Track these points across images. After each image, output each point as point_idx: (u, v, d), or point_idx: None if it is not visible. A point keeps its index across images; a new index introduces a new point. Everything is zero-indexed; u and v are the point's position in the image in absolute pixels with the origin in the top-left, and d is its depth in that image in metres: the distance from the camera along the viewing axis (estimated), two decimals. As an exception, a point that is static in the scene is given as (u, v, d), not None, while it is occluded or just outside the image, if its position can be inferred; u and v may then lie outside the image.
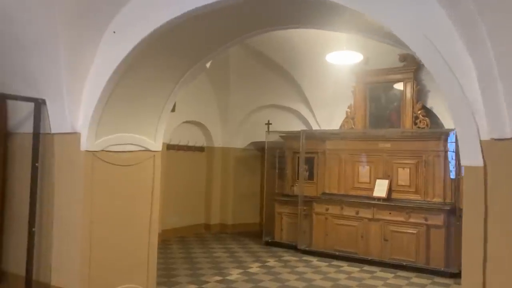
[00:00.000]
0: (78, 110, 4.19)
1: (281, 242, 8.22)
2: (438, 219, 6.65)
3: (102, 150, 4.32)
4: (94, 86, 4.10)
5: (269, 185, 8.86)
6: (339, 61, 6.44)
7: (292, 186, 8.63)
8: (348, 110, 7.96)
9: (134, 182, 4.71)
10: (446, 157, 7.01)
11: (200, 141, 9.62)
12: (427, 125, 7.20)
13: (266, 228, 8.55)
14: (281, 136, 8.75)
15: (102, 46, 4.08)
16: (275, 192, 8.76)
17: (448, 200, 6.91)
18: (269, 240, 8.36)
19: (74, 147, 4.20)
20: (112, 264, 4.42)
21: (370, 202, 7.26)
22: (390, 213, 7.05)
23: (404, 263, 6.72)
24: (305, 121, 8.80)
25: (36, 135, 4.29)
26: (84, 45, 4.03)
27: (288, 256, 7.36)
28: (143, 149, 4.79)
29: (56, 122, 4.31)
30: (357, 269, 6.67)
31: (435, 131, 7.10)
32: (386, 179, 7.46)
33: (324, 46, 7.31)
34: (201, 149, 9.65)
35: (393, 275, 6.39)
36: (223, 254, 7.35)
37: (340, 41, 7.02)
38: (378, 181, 7.53)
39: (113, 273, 4.41)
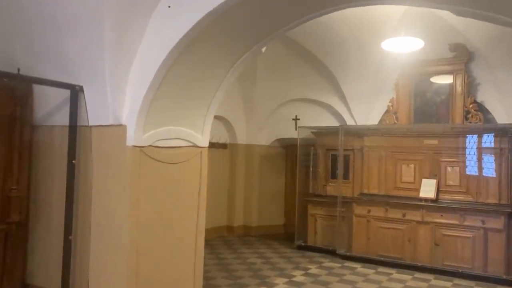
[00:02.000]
0: (123, 98, 3.57)
1: (315, 246, 7.63)
2: (497, 222, 6.09)
3: (150, 146, 3.71)
4: (144, 70, 3.49)
5: (300, 184, 8.27)
6: (397, 48, 5.84)
7: (325, 185, 8.04)
8: (390, 104, 7.38)
9: (181, 182, 4.11)
10: (502, 154, 6.46)
11: (223, 137, 9.01)
12: (480, 120, 6.63)
13: (298, 231, 7.95)
14: (312, 132, 8.16)
15: (153, 24, 3.47)
16: (307, 192, 8.15)
17: (503, 201, 6.37)
18: (302, 244, 7.77)
19: (118, 142, 3.58)
20: (159, 277, 3.83)
21: (419, 203, 6.69)
22: (441, 215, 6.49)
23: (460, 270, 6.16)
24: (338, 116, 8.22)
25: (73, 127, 3.68)
26: (131, 22, 3.41)
27: (328, 262, 6.78)
28: (191, 144, 4.18)
29: (95, 113, 3.69)
30: (409, 276, 6.10)
31: (491, 127, 6.54)
32: (433, 178, 6.90)
33: (368, 33, 6.75)
34: (224, 146, 9.03)
35: (451, 283, 5.84)
36: (257, 260, 6.75)
37: (385, 28, 6.49)
38: (424, 180, 6.96)
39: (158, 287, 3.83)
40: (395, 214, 6.83)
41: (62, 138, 3.82)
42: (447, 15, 6.04)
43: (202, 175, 4.36)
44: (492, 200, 6.43)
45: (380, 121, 7.60)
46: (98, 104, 3.64)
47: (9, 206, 3.82)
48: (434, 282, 5.87)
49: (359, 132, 7.57)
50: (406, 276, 6.09)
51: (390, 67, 7.28)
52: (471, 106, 6.70)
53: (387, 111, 7.43)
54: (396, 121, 7.32)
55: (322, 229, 7.71)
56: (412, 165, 7.13)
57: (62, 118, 3.87)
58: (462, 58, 6.69)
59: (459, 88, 6.80)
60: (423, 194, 6.86)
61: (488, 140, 6.56)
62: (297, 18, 3.79)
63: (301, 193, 8.10)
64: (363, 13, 6.12)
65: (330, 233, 7.56)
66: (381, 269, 6.45)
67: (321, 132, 8.08)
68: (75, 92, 3.64)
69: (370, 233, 7.01)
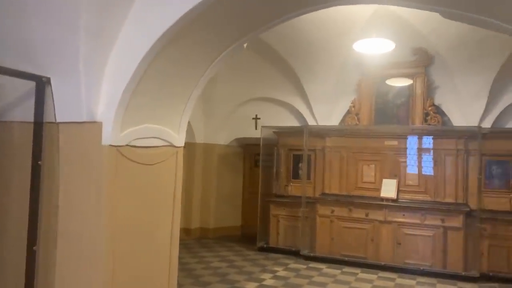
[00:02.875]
0: (98, 92, 3.21)
1: (278, 248, 7.54)
2: (456, 221, 6.34)
3: (127, 145, 3.38)
4: (124, 62, 3.15)
5: (262, 185, 8.13)
6: (368, 50, 5.86)
7: (287, 186, 7.98)
8: (352, 105, 7.45)
9: (156, 185, 3.80)
10: (458, 155, 6.74)
11: (180, 136, 8.64)
12: (438, 122, 6.87)
13: (260, 232, 7.81)
14: (274, 132, 8.06)
15: (135, 11, 3.15)
16: (269, 192, 8.03)
17: (460, 201, 6.65)
18: (264, 246, 7.64)
19: (91, 141, 3.21)
20: (134, 289, 3.51)
21: (382, 203, 6.81)
22: (403, 215, 6.65)
23: (422, 268, 6.34)
24: (299, 116, 8.19)
25: (38, 124, 3.24)
26: (111, 6, 3.08)
27: (293, 264, 6.71)
28: (168, 144, 3.88)
29: (64, 109, 3.27)
30: (374, 276, 6.18)
31: (449, 129, 6.80)
32: (393, 178, 7.06)
33: (335, 34, 6.75)
34: (181, 145, 8.67)
35: (414, 281, 5.97)
36: (221, 264, 6.53)
37: (354, 29, 6.53)
38: (385, 180, 7.11)
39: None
40: (359, 214, 6.91)
41: (23, 136, 3.38)
42: (414, 19, 6.18)
43: (177, 176, 4.08)
44: (449, 199, 6.70)
45: (342, 122, 7.67)
46: (69, 98, 3.24)
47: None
48: (399, 280, 5.98)
49: (321, 133, 7.58)
50: (371, 276, 6.16)
51: (352, 69, 7.36)
52: (430, 108, 6.93)
53: (349, 112, 7.51)
54: (357, 122, 7.41)
55: (284, 230, 7.63)
56: (373, 166, 7.26)
57: (23, 113, 3.42)
58: (423, 61, 6.90)
59: (419, 91, 7.01)
60: (384, 194, 6.99)
61: (446, 141, 6.82)
62: (281, 15, 3.65)
63: (263, 194, 7.97)
64: (332, 13, 6.10)
65: (292, 234, 7.51)
66: (346, 269, 6.49)
67: (283, 132, 8.01)
68: (41, 85, 3.21)
69: (334, 233, 7.04)
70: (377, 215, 6.79)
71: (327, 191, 7.46)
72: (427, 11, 5.98)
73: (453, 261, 6.28)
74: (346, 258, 6.79)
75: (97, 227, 3.19)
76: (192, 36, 3.34)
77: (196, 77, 3.87)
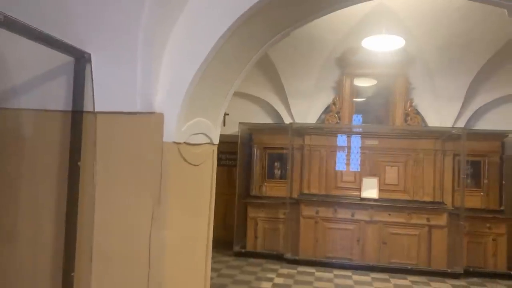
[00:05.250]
0: (158, 76, 2.57)
1: (256, 252, 7.12)
2: (441, 219, 6.50)
3: (184, 143, 2.77)
4: (196, 38, 2.56)
5: (233, 185, 7.64)
6: (377, 46, 5.69)
7: (261, 186, 7.61)
8: (333, 103, 7.30)
9: (198, 190, 3.24)
10: (436, 155, 6.93)
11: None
12: (418, 122, 7.00)
13: (236, 236, 7.32)
14: (249, 129, 7.62)
15: (209, -21, 2.58)
16: (246, 194, 7.58)
17: (437, 199, 6.85)
18: (242, 250, 7.17)
19: (147, 137, 2.56)
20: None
21: (368, 203, 6.75)
22: (389, 214, 6.65)
23: (409, 267, 6.39)
24: (271, 113, 7.85)
25: (78, 114, 2.51)
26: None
27: (282, 269, 6.37)
28: (208, 141, 3.32)
29: (106, 94, 2.58)
30: (368, 277, 6.08)
31: (428, 129, 6.96)
32: (373, 177, 7.06)
33: (324, 31, 6.52)
34: (141, 142, 7.83)
35: (408, 281, 5.98)
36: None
37: (343, 27, 6.38)
38: (365, 180, 7.08)
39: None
40: (344, 214, 6.78)
41: (40, 129, 2.62)
42: (407, 19, 6.18)
43: (213, 179, 3.53)
44: (427, 198, 6.87)
45: (319, 120, 7.49)
46: (115, 82, 2.55)
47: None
48: (393, 281, 5.95)
49: (300, 131, 7.33)
50: (365, 278, 6.07)
51: (334, 66, 7.22)
52: (410, 109, 7.04)
53: (330, 110, 7.35)
54: (338, 121, 7.28)
55: (263, 233, 7.24)
56: (353, 165, 7.20)
57: (39, 99, 2.64)
58: (405, 62, 6.97)
59: (399, 91, 7.08)
60: (365, 194, 6.96)
61: (426, 142, 6.98)
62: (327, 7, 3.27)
63: (239, 195, 7.49)
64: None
65: (272, 237, 7.15)
66: (336, 271, 6.31)
67: (257, 129, 7.61)
68: (82, 63, 2.48)
69: (318, 235, 6.82)
70: (363, 215, 6.73)
71: (306, 191, 7.23)
72: (423, 10, 5.92)
73: (437, 259, 6.44)
74: (334, 260, 6.62)
75: (154, 245, 2.56)
76: (262, 15, 2.85)
77: (244, 64, 3.35)
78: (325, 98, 7.46)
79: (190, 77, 2.56)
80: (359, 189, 7.05)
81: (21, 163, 2.63)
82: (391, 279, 6.02)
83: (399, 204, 6.69)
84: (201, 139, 3.12)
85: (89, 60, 2.51)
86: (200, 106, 2.93)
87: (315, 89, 7.38)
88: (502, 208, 6.71)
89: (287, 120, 7.68)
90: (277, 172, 7.63)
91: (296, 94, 7.44)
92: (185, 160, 2.83)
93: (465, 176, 6.56)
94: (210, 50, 2.55)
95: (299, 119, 7.56)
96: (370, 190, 6.97)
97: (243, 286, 5.30)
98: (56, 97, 2.57)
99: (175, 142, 2.63)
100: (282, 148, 7.51)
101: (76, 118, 2.49)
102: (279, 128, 7.44)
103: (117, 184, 2.57)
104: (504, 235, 6.46)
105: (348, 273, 6.27)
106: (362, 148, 7.15)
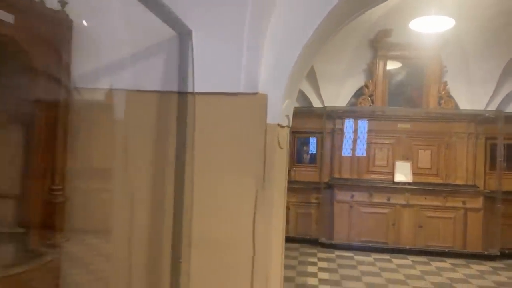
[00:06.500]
0: (261, 54, 2.46)
1: (290, 237, 7.06)
2: (476, 202, 6.50)
3: (278, 124, 2.67)
4: (299, 15, 2.45)
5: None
6: (426, 28, 5.59)
7: (289, 170, 7.53)
8: (366, 86, 7.21)
9: (284, 174, 3.16)
10: (468, 138, 6.91)
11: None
12: (452, 105, 6.95)
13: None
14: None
15: None
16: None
17: (470, 183, 6.85)
18: (274, 235, 7.13)
19: (249, 119, 2.46)
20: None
21: (403, 187, 6.72)
22: (425, 198, 6.64)
23: (446, 250, 6.41)
24: (300, 96, 7.72)
25: (182, 96, 2.40)
26: None
27: (320, 253, 6.35)
28: (288, 123, 3.22)
29: (207, 74, 2.47)
30: (408, 261, 6.09)
31: (461, 112, 6.91)
32: (406, 161, 7.03)
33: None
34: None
35: (447, 263, 6.00)
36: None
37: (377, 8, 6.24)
38: (398, 163, 7.04)
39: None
40: (380, 198, 6.75)
41: (140, 110, 2.51)
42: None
43: (286, 164, 3.45)
44: (460, 181, 6.86)
45: (352, 104, 7.40)
46: (219, 61, 2.44)
47: (52, 218, 2.36)
48: (434, 264, 5.97)
49: (332, 114, 7.24)
50: (405, 261, 6.08)
51: (366, 48, 7.12)
52: (443, 92, 6.98)
53: (362, 94, 7.26)
54: (371, 104, 7.21)
55: (295, 218, 7.20)
56: (386, 149, 7.15)
57: (135, 79, 2.52)
58: (439, 44, 6.87)
59: (433, 74, 7.01)
60: (398, 178, 6.94)
61: (459, 125, 6.94)
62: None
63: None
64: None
65: (304, 221, 7.12)
66: (374, 255, 6.30)
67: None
68: (186, 39, 2.36)
69: (353, 219, 6.80)
70: (398, 199, 6.70)
71: (337, 176, 7.19)
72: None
73: (473, 241, 6.45)
74: (370, 244, 6.61)
75: (259, 230, 2.48)
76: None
77: (324, 44, 3.24)
78: (356, 81, 7.36)
79: (296, 55, 2.46)
80: (392, 173, 7.03)
81: (129, 146, 2.52)
82: (431, 262, 6.03)
83: (433, 188, 6.67)
84: (286, 121, 3.03)
85: (191, 37, 2.39)
86: (292, 86, 2.83)
87: (346, 72, 7.27)
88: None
89: (315, 103, 7.58)
90: (306, 156, 7.57)
91: (326, 77, 7.33)
92: (278, 143, 2.74)
93: (501, 159, 6.54)
94: (317, 26, 2.45)
95: (329, 103, 7.46)
96: (404, 174, 6.94)
97: (290, 271, 5.27)
98: (154, 77, 2.46)
99: (279, 125, 2.55)
100: (311, 132, 7.44)
101: (182, 99, 2.38)
102: (309, 111, 7.33)
103: (217, 168, 2.48)
104: (538, 216, 6.50)
105: (386, 256, 6.27)
106: (394, 131, 7.09)
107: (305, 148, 7.57)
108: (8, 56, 2.14)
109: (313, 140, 7.54)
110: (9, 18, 1.94)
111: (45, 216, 2.32)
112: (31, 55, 2.25)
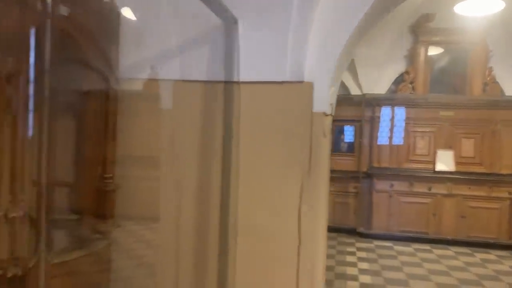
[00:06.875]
0: (306, 41, 2.42)
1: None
2: (524, 193, 6.25)
3: (323, 113, 2.63)
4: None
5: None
6: (472, 11, 5.37)
7: (327, 159, 7.46)
8: (406, 73, 7.01)
9: (327, 163, 3.14)
10: (516, 126, 6.63)
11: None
12: (497, 92, 6.67)
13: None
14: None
15: None
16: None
17: (517, 172, 6.58)
18: (311, 224, 7.12)
19: (295, 107, 2.44)
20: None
21: (445, 176, 6.54)
22: (469, 188, 6.43)
23: (491, 241, 6.21)
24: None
25: (228, 85, 2.40)
26: None
27: (359, 243, 6.29)
28: (331, 112, 3.18)
29: (253, 63, 2.45)
30: (449, 252, 5.94)
31: (508, 99, 6.61)
32: (448, 150, 6.82)
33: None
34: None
35: (493, 256, 5.82)
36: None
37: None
38: (440, 152, 6.83)
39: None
40: (420, 188, 6.59)
41: (185, 99, 2.53)
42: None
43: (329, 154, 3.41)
44: (505, 170, 6.58)
45: (391, 91, 7.22)
46: (265, 49, 2.42)
47: (103, 206, 2.43)
48: (479, 255, 5.80)
49: (371, 102, 7.09)
50: (447, 252, 5.93)
51: (407, 33, 6.91)
52: (489, 78, 6.70)
53: (402, 80, 7.06)
54: (412, 91, 7.01)
55: (333, 207, 7.13)
56: (427, 137, 6.95)
57: (181, 68, 2.54)
58: (485, 27, 6.57)
59: (478, 59, 6.72)
60: (439, 167, 6.74)
61: (505, 112, 6.65)
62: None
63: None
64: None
65: (341, 211, 7.05)
66: (414, 245, 6.19)
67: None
68: (232, 28, 2.35)
69: (393, 209, 6.68)
70: (440, 189, 6.53)
71: (375, 165, 7.06)
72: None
73: (519, 233, 6.23)
74: (411, 234, 6.49)
75: (304, 219, 2.46)
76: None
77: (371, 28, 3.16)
78: (396, 68, 7.16)
79: (344, 40, 2.40)
80: (433, 162, 6.83)
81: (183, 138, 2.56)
82: (475, 254, 5.86)
83: (477, 177, 6.45)
84: (330, 110, 2.99)
85: (236, 25, 2.38)
86: (338, 74, 2.79)
87: (386, 58, 7.08)
88: None
89: (353, 90, 7.44)
90: (344, 145, 7.46)
91: (365, 63, 7.17)
92: (323, 132, 2.71)
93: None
94: (367, 10, 2.38)
95: (367, 90, 7.31)
96: (445, 163, 6.74)
97: (329, 260, 5.24)
98: (200, 66, 2.46)
99: (326, 114, 2.51)
100: (348, 121, 7.32)
101: (228, 89, 2.38)
102: (346, 99, 7.18)
103: (262, 158, 2.48)
104: None
105: (426, 247, 6.14)
106: (436, 119, 6.87)
107: (341, 136, 7.47)
108: (61, 48, 2.19)
109: (348, 128, 7.42)
110: (63, 10, 1.98)
111: (96, 203, 2.39)
112: (82, 47, 2.30)
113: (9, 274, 1.51)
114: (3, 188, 1.56)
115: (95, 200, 2.39)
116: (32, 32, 1.66)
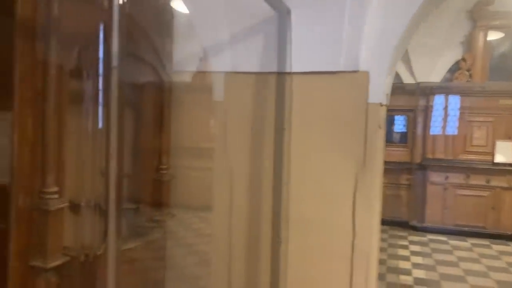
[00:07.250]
0: (362, 29, 2.34)
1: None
2: None
3: (379, 103, 2.55)
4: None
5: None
6: None
7: (378, 150, 7.28)
8: (463, 60, 6.68)
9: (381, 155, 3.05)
10: None
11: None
12: None
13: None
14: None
15: None
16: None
17: None
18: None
19: (350, 97, 2.38)
20: None
21: (505, 168, 6.21)
22: (532, 181, 6.08)
23: (556, 238, 5.86)
24: (388, 73, 7.38)
25: (281, 76, 2.38)
26: None
27: (411, 236, 6.12)
28: (386, 102, 3.08)
29: (306, 54, 2.41)
30: (509, 247, 5.66)
31: None
32: (508, 141, 6.44)
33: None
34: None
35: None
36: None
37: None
38: (499, 143, 6.48)
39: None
40: (478, 180, 6.30)
41: (238, 91, 2.53)
42: None
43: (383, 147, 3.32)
44: None
45: (446, 80, 6.91)
46: (318, 40, 2.37)
47: (159, 196, 2.49)
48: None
49: (425, 91, 6.83)
50: (506, 248, 5.66)
51: (464, 18, 6.57)
52: (555, 63, 6.26)
53: (459, 68, 6.74)
54: (469, 79, 6.67)
55: (384, 199, 6.93)
56: (485, 127, 6.60)
57: (232, 60, 2.54)
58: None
59: (544, 43, 6.30)
60: (499, 159, 6.39)
61: None
62: None
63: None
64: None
65: (393, 203, 6.87)
66: (471, 240, 5.94)
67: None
68: (285, 19, 2.32)
69: (448, 202, 6.43)
70: (499, 181, 6.20)
71: (430, 156, 6.80)
72: None
73: None
74: (467, 229, 6.23)
75: (359, 212, 2.41)
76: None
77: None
78: (452, 55, 6.85)
79: (402, 28, 2.30)
80: (491, 153, 6.48)
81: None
82: (539, 250, 5.56)
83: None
84: (385, 100, 2.90)
85: (289, 15, 2.35)
86: (394, 62, 2.69)
87: (441, 44, 6.77)
88: None
89: (405, 79, 7.19)
90: (396, 136, 7.25)
91: (419, 51, 6.89)
92: (378, 122, 2.63)
93: None
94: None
95: (421, 78, 7.03)
96: (505, 155, 6.38)
97: (381, 253, 5.13)
98: (252, 58, 2.45)
99: (382, 104, 2.44)
100: (399, 110, 7.08)
101: (280, 80, 2.36)
102: (398, 87, 6.94)
103: (315, 149, 2.45)
104: None
105: (484, 242, 5.86)
106: (495, 108, 6.50)
107: (393, 126, 7.25)
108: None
109: (399, 118, 7.19)
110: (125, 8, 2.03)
111: (153, 193, 2.45)
112: (138, 41, 2.35)
113: (81, 259, 1.59)
114: (71, 178, 1.64)
115: (151, 190, 2.46)
116: (101, 28, 1.72)
